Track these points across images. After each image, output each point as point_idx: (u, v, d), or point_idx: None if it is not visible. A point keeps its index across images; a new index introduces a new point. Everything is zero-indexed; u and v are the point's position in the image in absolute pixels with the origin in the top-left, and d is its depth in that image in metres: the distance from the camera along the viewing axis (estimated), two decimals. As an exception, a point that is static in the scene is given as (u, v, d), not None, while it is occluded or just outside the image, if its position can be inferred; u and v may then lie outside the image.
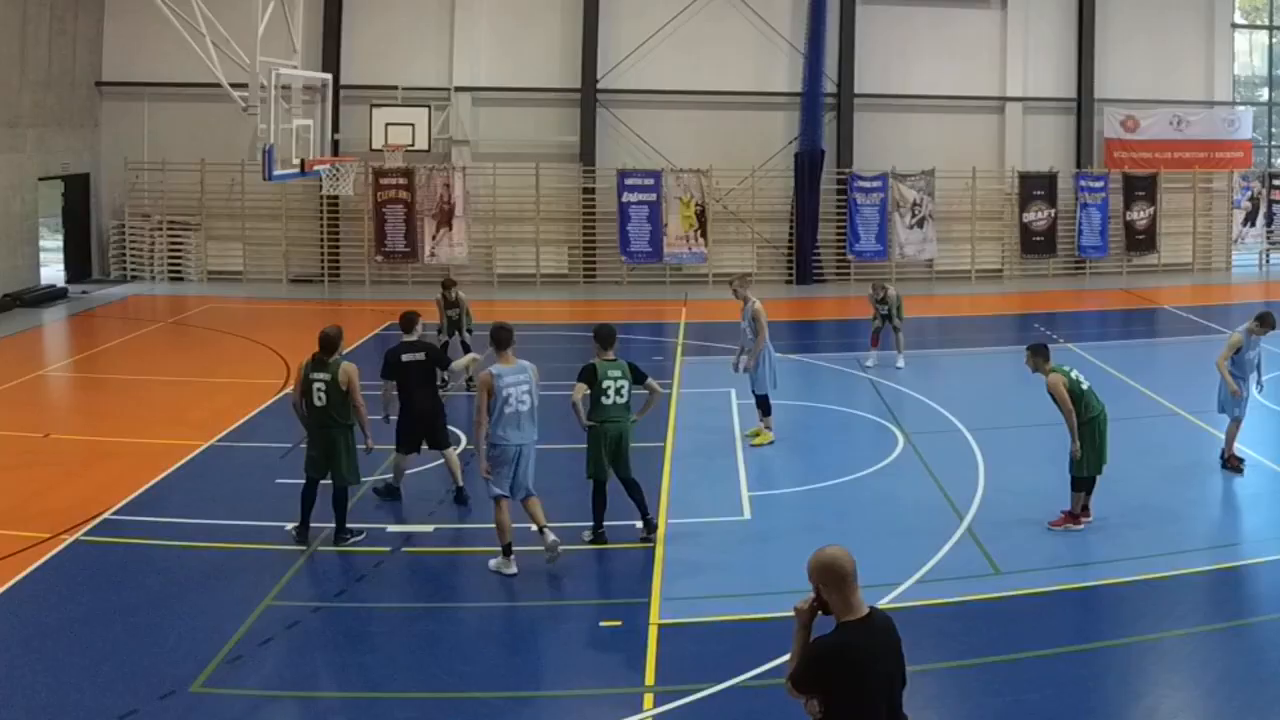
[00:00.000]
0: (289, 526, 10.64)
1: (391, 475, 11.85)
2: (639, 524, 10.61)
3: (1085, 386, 10.75)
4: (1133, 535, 10.67)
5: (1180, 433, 14.42)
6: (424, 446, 11.76)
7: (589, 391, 10.38)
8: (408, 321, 11.93)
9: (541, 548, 10.00)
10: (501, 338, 9.96)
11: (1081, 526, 10.76)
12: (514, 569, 9.86)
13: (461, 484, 11.64)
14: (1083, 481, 10.78)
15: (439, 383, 12.22)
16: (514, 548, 9.93)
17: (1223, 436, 12.89)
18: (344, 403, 10.30)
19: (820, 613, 4.93)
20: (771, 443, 13.77)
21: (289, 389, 11.31)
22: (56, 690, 7.75)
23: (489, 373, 9.80)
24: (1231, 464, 12.65)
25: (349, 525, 10.56)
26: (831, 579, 4.90)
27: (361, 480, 10.95)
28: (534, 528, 10.05)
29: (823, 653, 4.81)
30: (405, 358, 11.53)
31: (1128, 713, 7.66)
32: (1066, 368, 10.82)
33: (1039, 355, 10.86)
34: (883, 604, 9.11)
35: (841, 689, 4.75)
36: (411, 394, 11.50)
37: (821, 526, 11.20)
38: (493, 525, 10.03)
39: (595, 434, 10.41)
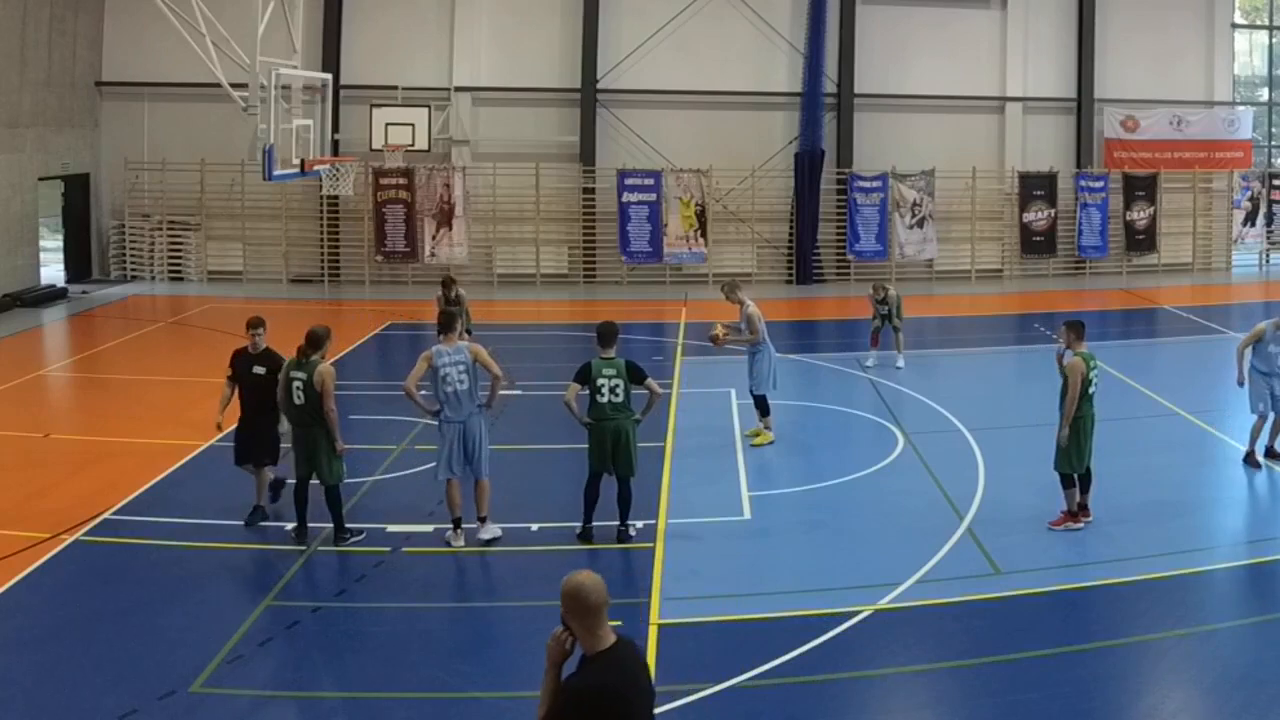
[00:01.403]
0: (289, 527, 10.64)
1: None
2: (617, 525, 10.65)
3: (1091, 390, 10.71)
4: (1133, 535, 10.66)
5: (1180, 433, 14.41)
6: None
7: (582, 390, 10.43)
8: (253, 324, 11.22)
9: (539, 547, 10.08)
10: (443, 322, 10.67)
11: (1081, 525, 10.74)
12: (461, 541, 10.37)
13: (260, 503, 11.02)
14: (1070, 479, 10.74)
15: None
16: (501, 543, 9.98)
17: (1222, 436, 12.89)
18: (322, 403, 10.28)
19: (571, 641, 4.64)
20: (771, 443, 13.77)
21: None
22: (56, 690, 7.75)
23: (430, 350, 10.47)
24: (1251, 460, 12.68)
25: (349, 525, 10.56)
26: (577, 608, 4.56)
27: (345, 478, 10.85)
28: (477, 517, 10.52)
29: (582, 694, 4.48)
30: (254, 369, 10.96)
31: (1128, 713, 7.66)
32: (1093, 363, 10.75)
33: (1074, 332, 10.79)
34: (883, 604, 9.14)
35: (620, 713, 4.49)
36: (246, 403, 10.93)
37: (821, 526, 11.22)
38: (470, 524, 10.54)
39: (592, 432, 10.47)
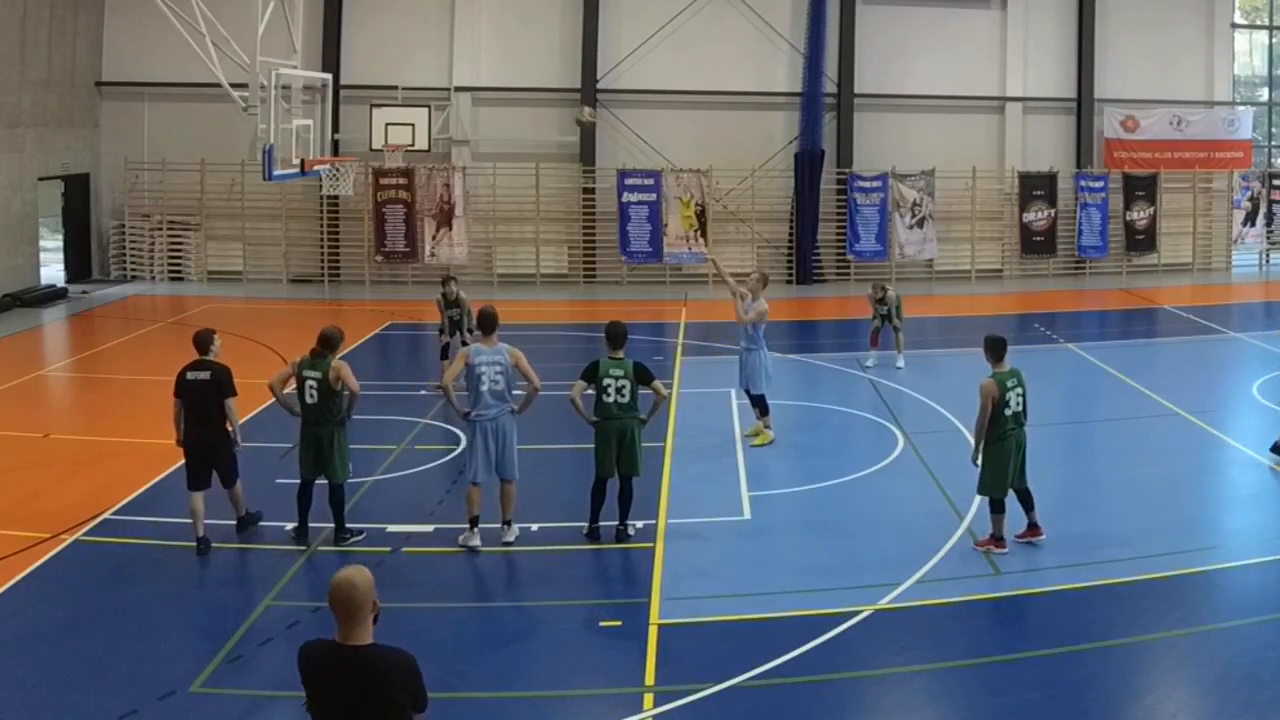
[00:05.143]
0: (289, 527, 10.64)
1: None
2: (616, 524, 10.66)
3: (1009, 412, 10.02)
4: (1132, 535, 10.65)
5: (1180, 433, 14.41)
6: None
7: (589, 389, 10.44)
8: (201, 341, 10.71)
9: (540, 547, 10.18)
10: (484, 323, 10.49)
11: (1004, 550, 10.16)
12: (477, 540, 10.34)
13: (243, 513, 10.76)
14: (998, 504, 10.20)
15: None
16: (511, 544, 10.01)
17: (1222, 436, 12.91)
18: (335, 400, 10.31)
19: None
20: (771, 443, 13.77)
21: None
22: (56, 690, 7.76)
23: (467, 350, 10.45)
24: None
25: (349, 525, 10.57)
26: (331, 602, 4.75)
27: (351, 477, 10.88)
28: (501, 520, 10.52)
29: (299, 652, 4.85)
30: (190, 375, 10.45)
31: (1128, 713, 7.66)
32: (1011, 383, 10.06)
33: (992, 351, 10.23)
34: (883, 604, 9.14)
35: (309, 697, 4.82)
36: (190, 416, 10.44)
37: (821, 526, 11.23)
38: (493, 524, 10.55)
39: (598, 431, 10.48)
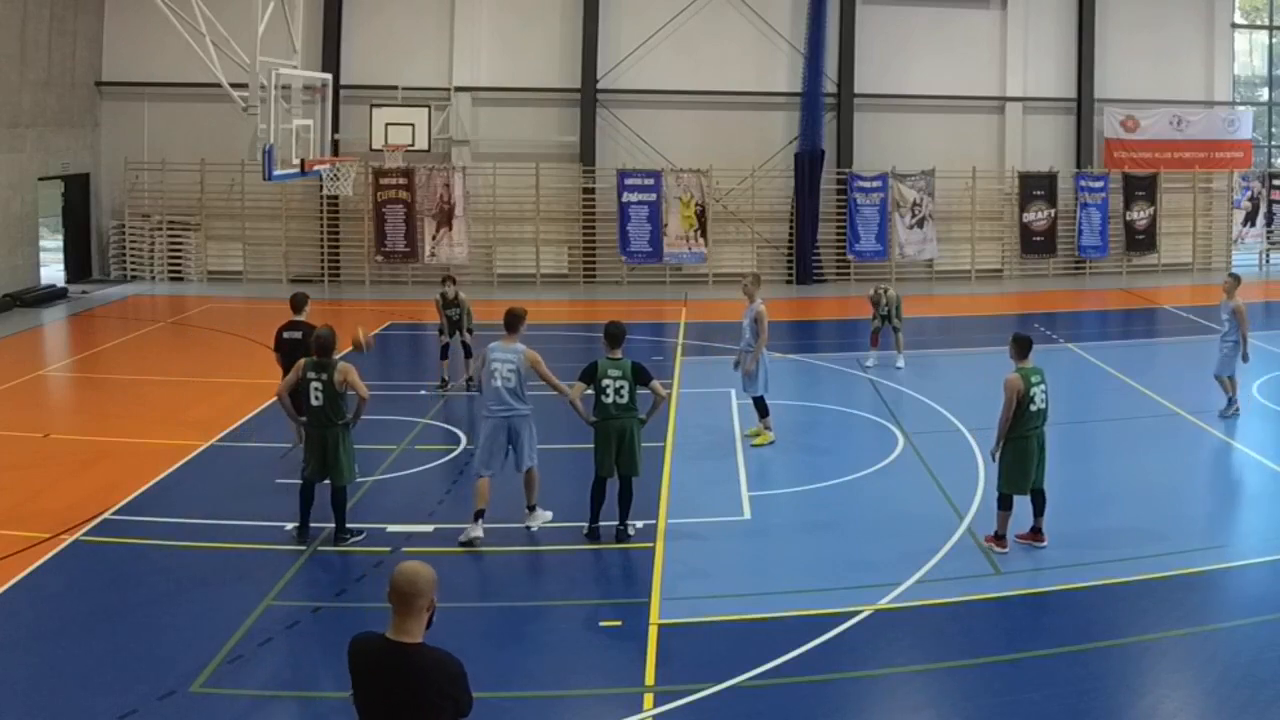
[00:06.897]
0: (289, 526, 10.65)
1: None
2: (616, 524, 10.68)
3: (1034, 409, 10.09)
4: (1132, 535, 10.66)
5: (1180, 433, 14.41)
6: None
7: (587, 390, 10.45)
8: (296, 303, 12.88)
9: (540, 547, 10.23)
10: (509, 321, 10.72)
11: (1005, 550, 10.21)
12: (479, 532, 10.41)
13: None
14: (1007, 499, 10.23)
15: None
16: (502, 542, 10.02)
17: (1222, 436, 12.90)
18: (340, 402, 10.32)
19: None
20: (772, 443, 13.77)
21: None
22: (56, 690, 7.76)
23: (488, 346, 10.73)
24: None
25: (349, 525, 10.56)
26: (391, 590, 4.76)
27: (357, 479, 10.94)
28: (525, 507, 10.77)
29: (349, 644, 4.88)
30: (285, 334, 12.34)
31: (1128, 713, 7.66)
32: (1035, 379, 10.13)
33: (1018, 348, 10.32)
34: (883, 604, 9.14)
35: (354, 688, 4.84)
36: (285, 366, 11.91)
37: (821, 526, 11.23)
38: (493, 525, 10.58)
39: (597, 431, 10.50)
